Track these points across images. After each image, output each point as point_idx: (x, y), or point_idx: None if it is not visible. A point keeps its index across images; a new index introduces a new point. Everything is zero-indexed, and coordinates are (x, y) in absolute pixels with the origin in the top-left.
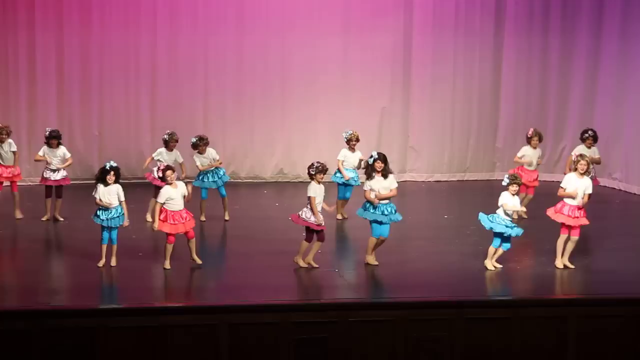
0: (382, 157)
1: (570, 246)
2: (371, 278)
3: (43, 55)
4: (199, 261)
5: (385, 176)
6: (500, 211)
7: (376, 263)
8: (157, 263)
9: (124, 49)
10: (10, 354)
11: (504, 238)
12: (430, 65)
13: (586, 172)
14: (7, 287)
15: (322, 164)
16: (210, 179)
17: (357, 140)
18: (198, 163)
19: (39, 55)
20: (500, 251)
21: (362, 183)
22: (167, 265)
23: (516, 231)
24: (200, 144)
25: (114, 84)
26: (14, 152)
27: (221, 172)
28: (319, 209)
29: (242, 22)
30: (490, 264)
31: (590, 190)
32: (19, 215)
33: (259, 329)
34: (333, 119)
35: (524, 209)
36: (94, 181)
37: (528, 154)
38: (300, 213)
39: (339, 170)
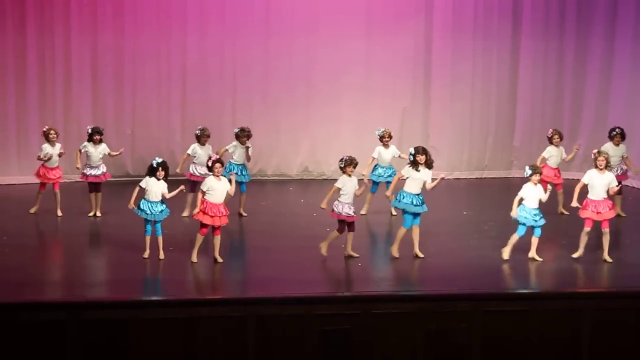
0: (421, 150)
1: (605, 240)
2: (393, 272)
3: (78, 57)
4: (220, 259)
5: (429, 166)
6: (525, 202)
7: (397, 255)
8: (188, 257)
9: (156, 52)
10: (47, 344)
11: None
12: (450, 66)
13: (606, 168)
14: (47, 280)
15: (351, 157)
16: (237, 171)
17: (390, 137)
18: (231, 150)
19: (74, 57)
20: (535, 240)
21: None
22: (194, 257)
23: (537, 223)
24: (241, 135)
25: (146, 85)
26: (59, 154)
27: (243, 171)
28: (349, 200)
29: (269, 25)
30: (507, 253)
31: (615, 184)
32: (59, 213)
33: (284, 321)
34: (356, 119)
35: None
36: (128, 179)
37: (553, 153)
38: (334, 207)
39: (375, 168)
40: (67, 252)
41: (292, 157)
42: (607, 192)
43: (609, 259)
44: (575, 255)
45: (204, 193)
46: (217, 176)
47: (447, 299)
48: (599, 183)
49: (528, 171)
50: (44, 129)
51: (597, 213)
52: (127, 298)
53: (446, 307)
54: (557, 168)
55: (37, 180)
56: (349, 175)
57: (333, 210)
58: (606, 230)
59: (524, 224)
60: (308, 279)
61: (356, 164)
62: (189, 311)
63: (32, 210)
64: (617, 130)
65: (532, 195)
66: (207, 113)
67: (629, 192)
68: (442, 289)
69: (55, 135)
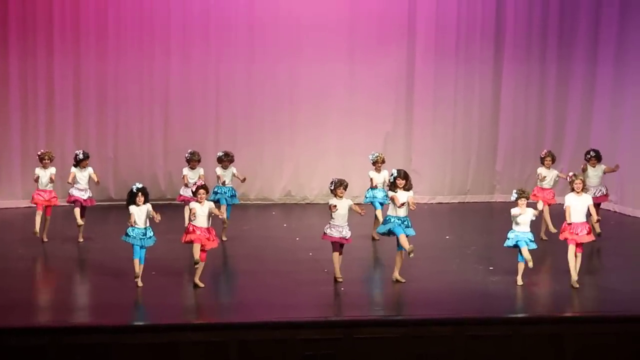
0: (403, 174)
1: (576, 264)
2: (376, 296)
3: (61, 81)
4: (201, 285)
5: (407, 190)
6: (516, 227)
7: (403, 280)
8: (170, 281)
9: (139, 76)
10: None
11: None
12: (432, 89)
13: (583, 190)
14: (29, 305)
15: (340, 179)
16: (221, 194)
17: (383, 162)
18: (219, 173)
19: (56, 81)
20: (521, 266)
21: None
22: (197, 256)
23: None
24: (225, 159)
25: (129, 109)
26: (51, 179)
27: (233, 193)
28: (341, 222)
29: (252, 49)
30: (520, 280)
31: (591, 202)
32: (45, 238)
33: (267, 346)
34: (339, 143)
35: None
36: (111, 203)
37: (543, 174)
38: (325, 230)
39: (368, 190)
40: (50, 277)
41: (275, 181)
42: (588, 214)
43: (576, 285)
44: (572, 280)
45: (191, 220)
46: (201, 202)
47: (430, 323)
48: (578, 206)
49: (514, 195)
50: (39, 153)
51: (576, 234)
52: (109, 323)
53: (429, 331)
54: (550, 189)
55: (17, 205)
56: (340, 198)
57: (325, 233)
58: (579, 254)
59: (517, 246)
60: (291, 303)
61: (346, 186)
62: (171, 336)
63: (36, 233)
64: (591, 152)
65: (521, 219)
66: (190, 136)
67: (611, 216)
68: (425, 313)
69: (48, 161)
